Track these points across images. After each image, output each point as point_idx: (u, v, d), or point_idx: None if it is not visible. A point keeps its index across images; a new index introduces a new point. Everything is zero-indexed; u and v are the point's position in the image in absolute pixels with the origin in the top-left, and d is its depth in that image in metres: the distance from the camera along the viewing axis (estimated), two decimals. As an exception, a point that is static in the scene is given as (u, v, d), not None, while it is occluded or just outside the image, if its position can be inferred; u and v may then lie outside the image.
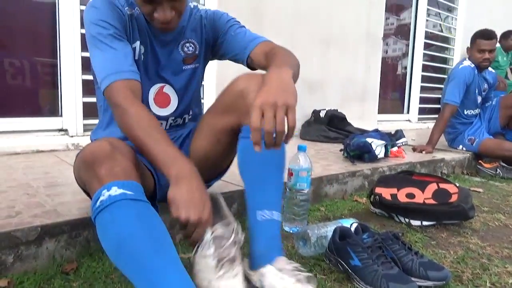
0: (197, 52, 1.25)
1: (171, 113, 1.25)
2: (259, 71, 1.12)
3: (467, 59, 2.83)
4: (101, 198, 0.81)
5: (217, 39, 1.25)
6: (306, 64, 3.29)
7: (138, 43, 1.14)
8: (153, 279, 0.76)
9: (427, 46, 4.60)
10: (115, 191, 0.81)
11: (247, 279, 0.95)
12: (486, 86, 2.90)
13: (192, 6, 1.25)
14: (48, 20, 2.24)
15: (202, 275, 0.88)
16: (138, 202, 0.83)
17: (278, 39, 3.14)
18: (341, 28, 3.52)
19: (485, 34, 2.72)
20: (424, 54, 4.57)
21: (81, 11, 2.22)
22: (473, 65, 2.77)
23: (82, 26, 2.23)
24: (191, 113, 1.34)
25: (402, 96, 4.62)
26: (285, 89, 0.87)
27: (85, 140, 2.23)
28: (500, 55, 4.66)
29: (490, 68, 2.92)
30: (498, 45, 4.39)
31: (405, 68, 4.60)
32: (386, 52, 4.39)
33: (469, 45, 2.84)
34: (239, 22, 1.28)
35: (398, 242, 1.16)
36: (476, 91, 2.85)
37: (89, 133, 2.24)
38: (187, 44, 1.23)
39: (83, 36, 2.23)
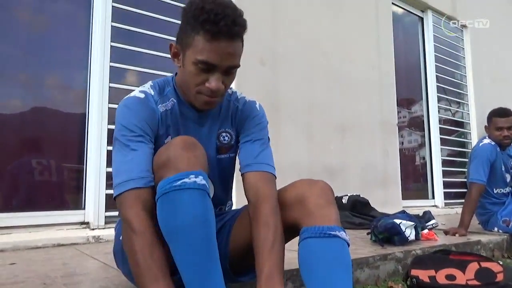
0: (232, 142, 1.24)
1: None
2: (320, 180, 1.12)
3: (487, 137, 2.82)
4: (185, 179, 0.91)
5: (241, 134, 1.24)
6: (324, 151, 3.37)
7: (169, 138, 1.14)
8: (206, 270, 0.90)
9: (443, 132, 4.65)
10: (200, 180, 0.93)
11: None
12: None
13: (231, 92, 1.26)
14: (78, 118, 2.40)
15: None
16: (210, 200, 0.96)
17: (295, 128, 3.27)
18: (355, 117, 3.63)
19: (500, 112, 2.75)
20: (441, 139, 4.59)
21: (109, 108, 2.38)
22: (493, 143, 2.76)
23: (109, 122, 2.37)
24: (228, 204, 1.34)
25: (425, 182, 4.55)
26: None
27: (106, 233, 2.21)
28: None
29: None
30: None
31: (424, 158, 4.61)
32: (402, 143, 4.45)
33: (486, 124, 2.86)
34: (267, 133, 1.26)
35: (445, 326, 1.04)
36: (503, 169, 2.79)
37: (111, 225, 2.26)
38: (223, 134, 1.22)
39: (109, 132, 2.35)
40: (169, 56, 1.13)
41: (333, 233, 1.00)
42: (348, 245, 1.03)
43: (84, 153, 2.34)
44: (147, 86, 1.16)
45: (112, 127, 2.33)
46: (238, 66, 1.07)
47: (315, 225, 1.01)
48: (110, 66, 2.45)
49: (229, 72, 1.06)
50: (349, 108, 3.59)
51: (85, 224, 2.25)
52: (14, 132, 2.27)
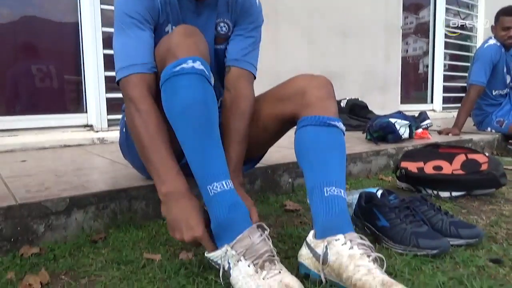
0: (229, 34, 1.22)
1: None
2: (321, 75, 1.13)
3: (492, 37, 2.75)
4: (183, 65, 0.91)
5: (236, 26, 1.23)
6: (324, 55, 3.31)
7: (170, 25, 1.13)
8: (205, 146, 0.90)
9: (448, 36, 4.50)
10: (198, 65, 0.92)
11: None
12: None
13: None
14: (72, 24, 2.33)
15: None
16: (209, 84, 0.95)
17: (294, 31, 3.16)
18: (358, 20, 3.49)
19: (508, 11, 2.64)
20: (446, 43, 4.47)
21: (102, 10, 2.29)
22: (499, 44, 2.69)
23: (104, 25, 2.30)
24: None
25: (425, 86, 4.54)
26: None
27: (110, 135, 2.29)
28: None
29: None
30: None
31: (427, 66, 4.53)
32: (407, 51, 4.35)
33: (493, 23, 2.77)
34: (260, 32, 1.26)
35: (426, 204, 1.14)
36: (505, 70, 2.76)
37: (114, 127, 2.32)
38: (222, 24, 1.21)
39: (105, 35, 2.29)
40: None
41: (332, 122, 1.03)
42: (344, 135, 1.08)
43: (81, 58, 2.32)
44: None
45: (106, 29, 2.29)
46: None
47: (315, 115, 1.04)
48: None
49: None
50: (352, 11, 3.44)
51: (88, 126, 2.32)
52: (7, 41, 2.22)
